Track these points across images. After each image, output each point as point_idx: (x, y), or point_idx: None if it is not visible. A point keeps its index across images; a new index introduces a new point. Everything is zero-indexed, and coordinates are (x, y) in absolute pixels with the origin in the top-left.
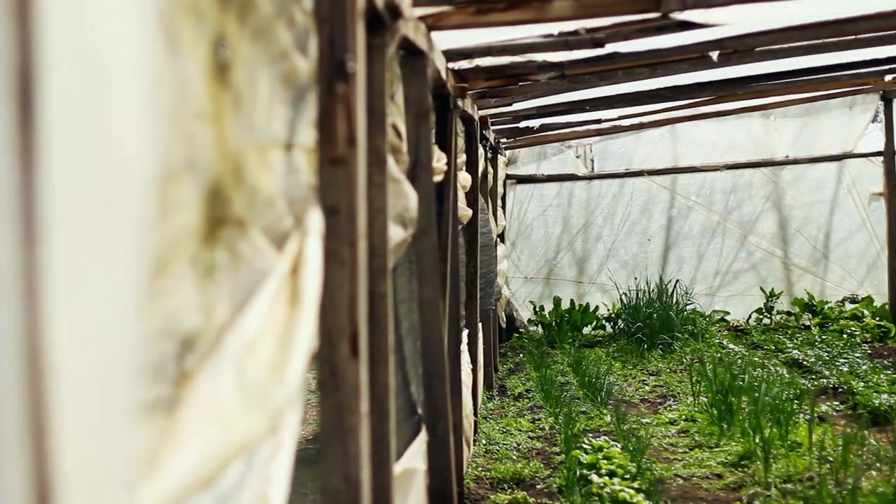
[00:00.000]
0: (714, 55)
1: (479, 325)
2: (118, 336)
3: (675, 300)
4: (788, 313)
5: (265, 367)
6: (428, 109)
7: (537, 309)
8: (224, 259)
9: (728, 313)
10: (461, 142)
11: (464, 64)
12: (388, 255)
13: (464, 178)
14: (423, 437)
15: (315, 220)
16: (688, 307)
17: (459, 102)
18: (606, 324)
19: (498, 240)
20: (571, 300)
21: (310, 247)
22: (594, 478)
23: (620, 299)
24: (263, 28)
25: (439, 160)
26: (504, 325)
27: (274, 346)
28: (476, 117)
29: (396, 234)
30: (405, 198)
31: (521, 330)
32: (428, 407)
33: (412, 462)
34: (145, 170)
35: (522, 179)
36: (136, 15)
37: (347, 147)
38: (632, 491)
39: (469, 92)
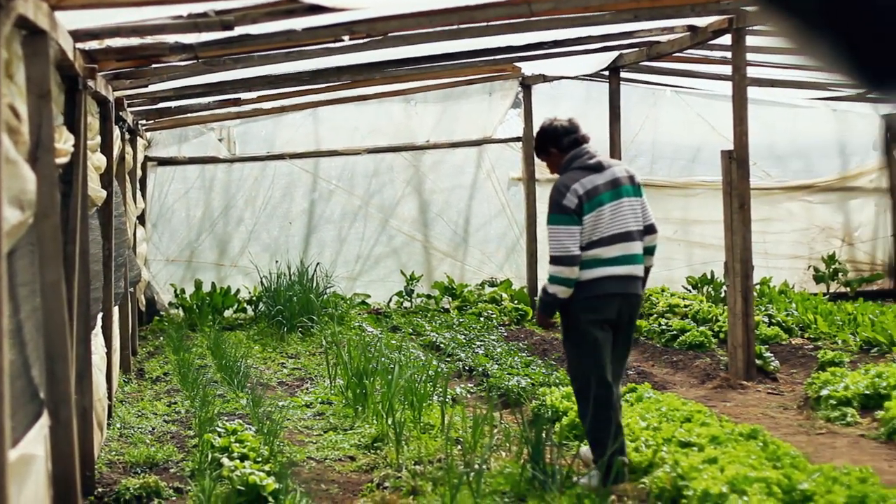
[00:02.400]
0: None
1: (116, 307)
2: None
3: (315, 283)
4: (429, 296)
5: None
6: (50, 90)
7: (178, 292)
8: None
9: (369, 296)
10: (95, 123)
11: (93, 44)
12: (1, 238)
13: (97, 160)
14: (44, 422)
15: None
16: (329, 290)
17: (90, 83)
18: (248, 307)
19: (137, 222)
20: (213, 283)
21: None
22: (226, 461)
23: (261, 282)
24: None
25: (66, 141)
26: (144, 308)
27: None
28: (111, 98)
29: (13, 216)
30: (23, 180)
31: (161, 313)
32: (50, 391)
33: (31, 447)
34: None
35: (163, 161)
36: None
37: None
38: (262, 474)
39: (100, 73)
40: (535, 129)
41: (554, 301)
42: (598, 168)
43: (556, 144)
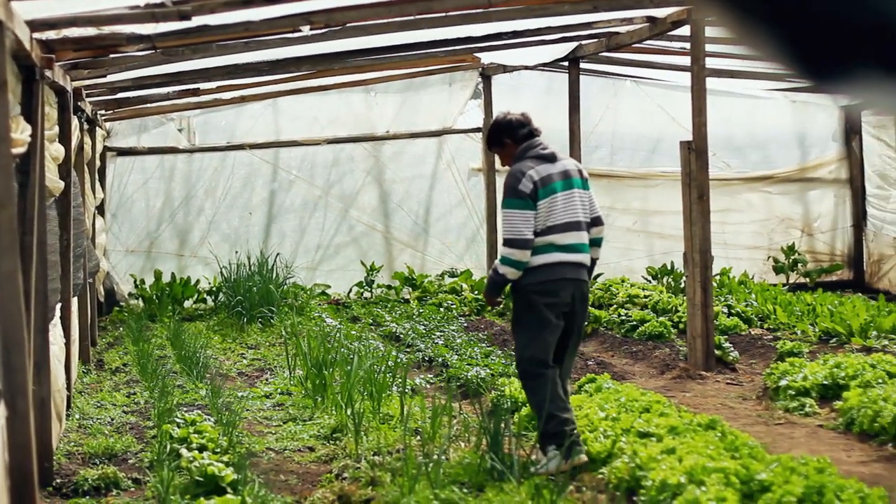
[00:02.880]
0: (305, 28)
1: (74, 298)
2: None
3: (275, 274)
4: (389, 287)
5: None
6: (7, 80)
7: (138, 282)
8: None
9: (329, 287)
10: (53, 113)
11: (50, 34)
12: None
13: (55, 150)
14: (1, 413)
15: None
16: (289, 281)
17: (48, 73)
18: (208, 297)
19: (96, 212)
20: (172, 273)
21: None
22: (184, 452)
23: (221, 272)
24: None
25: (23, 132)
26: (103, 299)
27: None
28: (69, 88)
29: None
30: None
31: (121, 303)
32: (7, 382)
33: None
34: None
35: (123, 152)
36: None
37: None
38: (221, 465)
39: (58, 63)
40: None
41: (503, 281)
42: (552, 158)
43: (511, 136)
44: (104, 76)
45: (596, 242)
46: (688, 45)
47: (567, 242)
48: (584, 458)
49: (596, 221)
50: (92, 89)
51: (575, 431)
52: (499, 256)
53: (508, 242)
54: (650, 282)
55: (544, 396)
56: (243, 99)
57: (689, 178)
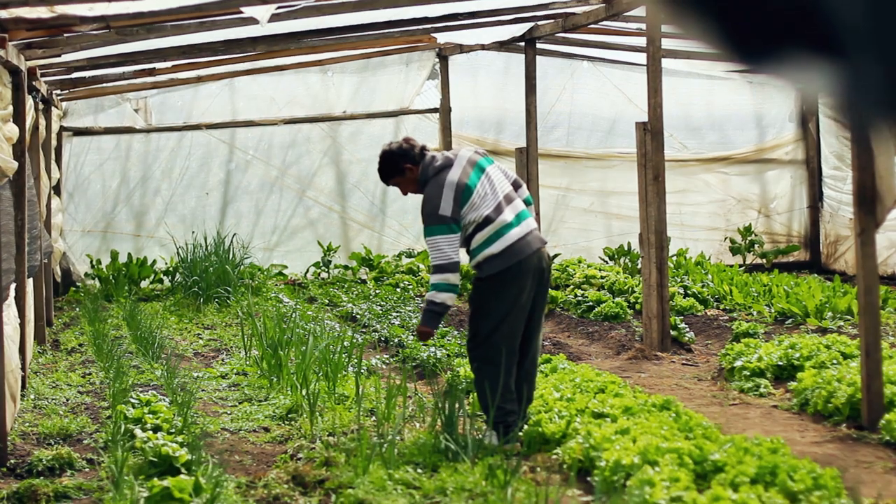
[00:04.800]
0: (265, 17)
1: (30, 279)
2: None
3: (232, 254)
4: (346, 267)
5: None
6: None
7: (94, 262)
8: None
9: (286, 267)
10: (7, 93)
11: (2, 14)
12: None
13: (10, 130)
14: None
15: None
16: (246, 261)
17: (1, 53)
18: (164, 278)
19: (53, 192)
20: (129, 254)
21: None
22: (139, 432)
23: (178, 253)
24: None
25: None
26: (60, 279)
27: None
28: (23, 68)
29: None
30: None
31: (77, 284)
32: None
33: None
34: None
35: (79, 132)
36: None
37: None
38: (175, 445)
39: (11, 42)
40: (454, 100)
41: (443, 311)
42: (449, 163)
43: (410, 160)
44: (59, 56)
45: (527, 202)
46: (644, 26)
47: (510, 218)
48: (517, 446)
49: (516, 184)
50: (47, 69)
51: (517, 423)
52: (431, 286)
53: (439, 268)
54: (607, 262)
55: (496, 386)
56: (199, 79)
57: (645, 159)
